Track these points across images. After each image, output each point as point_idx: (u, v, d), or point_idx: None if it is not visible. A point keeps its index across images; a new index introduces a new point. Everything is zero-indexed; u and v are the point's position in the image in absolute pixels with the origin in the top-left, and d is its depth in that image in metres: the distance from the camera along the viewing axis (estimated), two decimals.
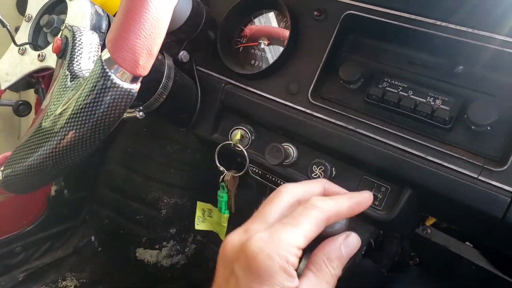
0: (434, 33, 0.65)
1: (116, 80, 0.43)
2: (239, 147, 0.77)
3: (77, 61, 0.48)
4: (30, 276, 1.19)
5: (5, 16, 1.02)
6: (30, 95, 1.12)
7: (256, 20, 0.83)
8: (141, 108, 0.72)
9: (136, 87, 0.46)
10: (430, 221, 0.90)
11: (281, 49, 0.79)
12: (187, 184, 1.30)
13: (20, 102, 1.07)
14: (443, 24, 0.65)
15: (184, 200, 1.30)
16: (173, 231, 1.31)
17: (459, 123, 0.65)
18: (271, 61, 0.80)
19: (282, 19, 0.80)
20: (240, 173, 0.82)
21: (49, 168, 0.47)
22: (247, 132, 0.78)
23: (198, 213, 0.92)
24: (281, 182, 0.80)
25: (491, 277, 1.06)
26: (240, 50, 0.84)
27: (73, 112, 0.44)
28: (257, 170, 0.84)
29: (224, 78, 0.81)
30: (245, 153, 0.77)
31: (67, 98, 0.46)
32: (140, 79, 0.46)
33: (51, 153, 0.46)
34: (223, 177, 0.81)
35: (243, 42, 0.83)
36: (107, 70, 0.43)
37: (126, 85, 0.44)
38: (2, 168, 0.49)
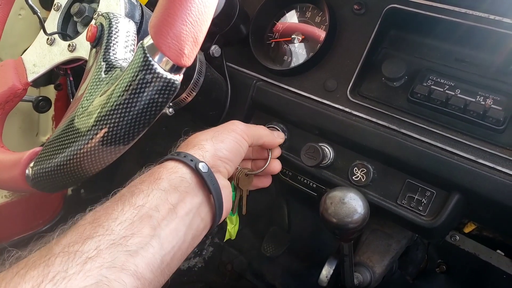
0: (487, 28, 0.61)
1: (159, 69, 0.40)
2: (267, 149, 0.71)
3: (113, 50, 0.45)
4: None
5: (27, 9, 1.00)
6: (50, 91, 1.09)
7: (288, 15, 0.79)
8: (170, 104, 0.68)
9: (179, 78, 0.42)
10: (469, 228, 0.85)
11: (316, 44, 0.75)
12: None
13: (40, 98, 1.05)
14: (497, 18, 0.61)
15: None
16: None
17: None
18: (304, 57, 0.76)
19: (317, 13, 0.76)
20: (257, 172, 0.71)
21: (81, 166, 0.44)
22: (279, 131, 0.73)
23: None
24: (314, 185, 0.76)
25: None
26: (272, 45, 0.80)
27: (110, 106, 0.41)
28: (287, 172, 0.79)
29: (255, 74, 0.77)
30: (269, 154, 0.70)
31: (103, 91, 0.43)
32: (183, 70, 0.42)
33: (83, 151, 0.42)
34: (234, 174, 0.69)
35: (276, 37, 0.79)
36: (150, 58, 0.39)
37: (170, 76, 0.40)
38: (31, 165, 0.45)
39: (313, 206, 1.11)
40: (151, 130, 1.41)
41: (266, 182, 0.72)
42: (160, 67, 0.40)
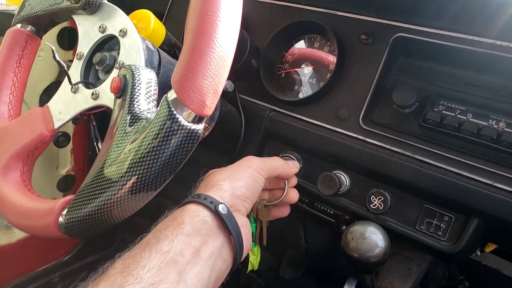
0: (494, 53, 0.62)
1: (183, 121, 0.42)
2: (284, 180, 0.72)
3: (137, 102, 0.47)
4: None
5: (48, 48, 1.04)
6: (68, 126, 1.12)
7: (297, 45, 0.82)
8: None
9: (201, 127, 0.44)
10: (490, 247, 0.84)
11: (326, 73, 0.77)
12: None
13: (60, 133, 1.08)
14: (504, 44, 0.62)
15: None
16: None
17: None
18: (314, 86, 0.78)
19: (325, 43, 0.78)
20: (275, 202, 0.72)
21: (112, 214, 0.46)
22: (294, 160, 0.75)
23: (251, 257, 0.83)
24: (332, 212, 0.77)
25: None
26: (283, 76, 0.82)
27: (137, 157, 0.43)
28: (304, 199, 0.81)
29: (268, 105, 0.80)
30: (286, 184, 0.71)
31: (130, 142, 0.45)
32: (206, 119, 0.44)
33: (114, 199, 0.44)
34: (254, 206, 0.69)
35: (285, 68, 0.82)
36: (174, 111, 0.41)
37: (193, 126, 0.43)
38: (64, 212, 0.48)
39: (330, 227, 1.11)
40: None
41: (284, 212, 0.73)
42: (184, 118, 0.42)
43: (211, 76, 0.41)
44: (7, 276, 1.10)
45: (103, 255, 1.33)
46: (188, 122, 0.42)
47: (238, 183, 0.57)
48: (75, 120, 1.11)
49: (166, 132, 0.42)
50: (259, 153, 0.80)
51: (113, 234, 1.35)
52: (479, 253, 1.03)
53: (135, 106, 0.46)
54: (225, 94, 0.78)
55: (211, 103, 0.43)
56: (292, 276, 1.19)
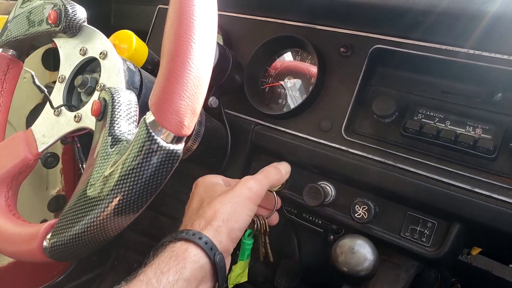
0: (469, 63, 0.64)
1: (162, 142, 0.43)
2: (270, 189, 0.74)
3: (117, 124, 0.48)
4: None
5: (33, 69, 1.05)
6: (56, 146, 1.13)
7: (279, 60, 0.83)
8: None
9: (181, 147, 0.45)
10: (476, 250, 0.85)
11: (308, 86, 0.78)
12: None
13: (48, 154, 1.09)
14: (477, 52, 0.64)
15: None
16: None
17: (504, 151, 0.63)
18: (298, 98, 0.79)
19: (307, 57, 0.80)
20: (272, 213, 0.75)
21: (96, 235, 0.46)
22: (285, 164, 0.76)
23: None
24: (320, 221, 0.78)
25: None
26: (266, 90, 0.83)
27: (119, 178, 0.44)
28: (292, 210, 0.82)
29: (253, 119, 0.81)
30: (275, 195, 0.74)
31: (111, 163, 0.46)
32: (185, 139, 0.45)
33: (97, 221, 0.45)
34: (257, 223, 0.72)
35: (269, 82, 0.83)
36: (153, 133, 0.42)
37: (172, 146, 0.43)
38: (48, 236, 0.48)
39: (321, 237, 1.12)
40: None
41: (276, 219, 0.75)
42: (162, 139, 0.43)
43: (188, 97, 0.42)
44: None
45: (98, 273, 1.32)
46: (167, 142, 0.43)
47: (236, 225, 0.59)
48: (63, 140, 1.11)
49: (146, 153, 0.42)
50: (246, 167, 0.81)
51: (107, 251, 1.35)
52: (469, 257, 1.04)
53: (115, 128, 0.47)
54: (210, 109, 0.79)
55: (189, 123, 0.44)
56: (287, 286, 1.20)
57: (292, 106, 0.78)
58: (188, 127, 0.44)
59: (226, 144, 0.80)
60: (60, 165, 1.13)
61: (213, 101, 0.77)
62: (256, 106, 0.79)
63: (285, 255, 1.25)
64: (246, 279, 0.81)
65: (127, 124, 0.49)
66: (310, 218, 0.79)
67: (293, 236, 1.24)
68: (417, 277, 1.15)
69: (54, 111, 0.60)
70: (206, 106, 0.78)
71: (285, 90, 0.82)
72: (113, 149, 0.46)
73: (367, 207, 0.66)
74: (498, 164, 0.63)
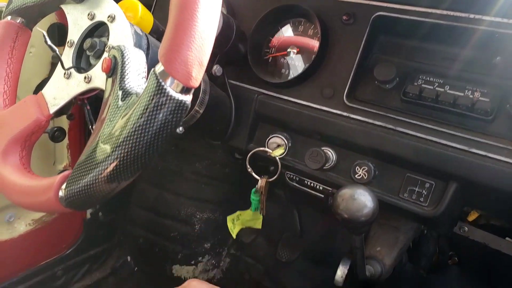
0: (470, 27, 0.65)
1: (171, 92, 0.45)
2: (274, 156, 0.77)
3: (127, 79, 0.50)
4: None
5: (39, 44, 1.06)
6: (63, 122, 1.15)
7: (283, 29, 0.85)
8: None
9: (189, 98, 0.47)
10: (472, 216, 0.88)
11: (311, 55, 0.80)
12: (218, 198, 1.30)
13: (55, 128, 1.11)
14: (477, 17, 0.65)
15: (216, 214, 1.30)
16: (208, 246, 1.31)
17: (501, 113, 0.64)
18: (301, 68, 0.81)
19: (310, 26, 0.81)
20: (273, 178, 0.82)
21: (107, 184, 0.48)
22: (283, 140, 0.78)
23: (229, 224, 0.94)
24: (321, 187, 0.80)
25: None
26: (270, 60, 0.85)
27: (130, 128, 0.46)
28: (294, 177, 0.84)
29: (256, 89, 0.83)
30: (278, 160, 0.77)
31: (121, 116, 0.48)
32: (193, 90, 0.47)
33: (109, 170, 0.47)
34: (259, 183, 0.81)
35: (272, 52, 0.85)
36: (162, 82, 0.44)
37: (181, 97, 0.45)
38: (63, 186, 0.50)
39: (323, 210, 1.14)
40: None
41: None
42: (172, 89, 0.45)
43: (196, 48, 0.44)
44: (9, 270, 1.13)
45: (105, 248, 1.36)
46: (176, 92, 0.45)
47: None
48: (70, 116, 1.13)
49: (156, 103, 0.45)
50: (250, 136, 0.84)
51: (113, 227, 1.38)
52: (466, 228, 1.06)
53: (126, 82, 0.49)
54: (214, 79, 0.81)
55: (197, 75, 0.45)
56: (288, 258, 1.23)
57: (294, 76, 0.80)
58: (196, 79, 0.46)
59: (230, 113, 0.82)
60: (66, 141, 1.16)
61: (217, 69, 0.79)
62: (260, 75, 0.80)
63: (287, 230, 1.28)
64: (260, 227, 0.88)
65: (137, 79, 0.51)
66: (311, 184, 0.81)
67: (294, 211, 1.27)
68: (416, 250, 1.18)
69: (65, 74, 0.62)
70: (210, 75, 0.80)
71: (288, 60, 0.83)
72: (123, 102, 0.48)
73: (367, 168, 0.68)
74: (495, 126, 0.64)
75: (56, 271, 1.18)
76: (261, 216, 0.85)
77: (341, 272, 0.79)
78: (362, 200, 0.53)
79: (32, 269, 1.14)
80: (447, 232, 0.94)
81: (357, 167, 0.69)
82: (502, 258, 1.07)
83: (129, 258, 1.37)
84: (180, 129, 0.73)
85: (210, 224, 1.30)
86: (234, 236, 0.91)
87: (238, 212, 0.92)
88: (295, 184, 0.84)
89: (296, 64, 0.82)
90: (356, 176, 0.68)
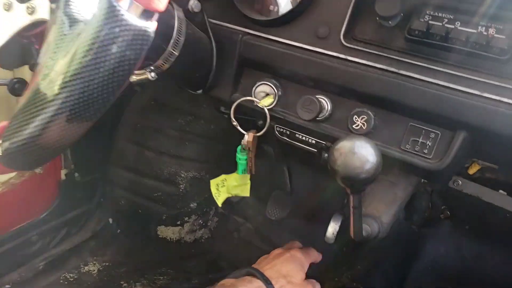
0: None
1: (128, 16, 0.35)
2: (262, 106, 0.69)
3: (73, 2, 0.39)
4: (51, 264, 1.14)
5: None
6: (25, 72, 1.03)
7: None
8: (151, 68, 0.63)
9: (151, 25, 0.37)
10: (474, 169, 0.83)
11: None
12: (203, 156, 1.23)
13: (15, 80, 0.99)
14: None
15: (202, 173, 1.24)
16: (194, 205, 1.26)
17: None
18: (292, 3, 0.70)
19: None
20: (261, 132, 0.74)
21: (53, 138, 0.39)
22: (272, 88, 0.69)
23: (213, 191, 0.87)
24: (314, 141, 0.73)
25: None
26: None
27: (77, 65, 0.36)
28: (284, 131, 0.76)
29: (240, 28, 0.72)
30: (266, 111, 0.69)
31: (67, 49, 0.38)
32: (156, 16, 0.37)
33: (52, 121, 0.38)
34: (245, 138, 0.74)
35: None
36: (116, 4, 0.34)
37: (140, 23, 0.36)
38: (0, 141, 0.41)
39: (313, 166, 1.08)
40: (139, 104, 1.36)
41: None
42: (129, 13, 0.35)
43: None
44: None
45: (84, 210, 1.29)
46: (134, 17, 0.35)
47: None
48: (33, 66, 1.01)
49: (108, 32, 0.35)
50: (235, 84, 0.74)
51: (92, 189, 1.30)
52: (460, 182, 1.02)
53: (72, 5, 0.39)
54: (191, 16, 0.70)
55: None
56: (278, 216, 1.19)
57: (285, 12, 0.70)
58: (160, 0, 0.36)
59: (211, 57, 0.72)
60: None
61: (194, 4, 0.68)
62: (245, 12, 0.70)
63: (277, 187, 1.23)
64: (248, 195, 0.82)
65: (86, 2, 0.40)
66: (304, 138, 0.73)
67: (284, 168, 1.21)
68: (408, 205, 1.14)
69: (4, 5, 0.50)
70: (186, 12, 0.69)
71: None
72: (69, 31, 0.38)
73: (366, 117, 0.60)
74: (511, 67, 0.57)
75: (30, 236, 1.11)
76: (249, 182, 0.77)
77: (332, 229, 0.74)
78: (363, 154, 0.45)
79: (2, 236, 1.06)
80: (444, 185, 0.90)
81: (355, 116, 0.61)
82: (495, 211, 1.06)
83: (110, 220, 1.30)
84: (152, 75, 0.64)
85: (195, 183, 1.23)
86: (220, 204, 0.83)
87: (223, 176, 0.83)
88: (285, 138, 0.77)
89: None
90: (354, 126, 0.61)
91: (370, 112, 0.60)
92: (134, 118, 1.26)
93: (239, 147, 0.73)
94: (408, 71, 0.60)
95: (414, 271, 1.10)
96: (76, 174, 1.23)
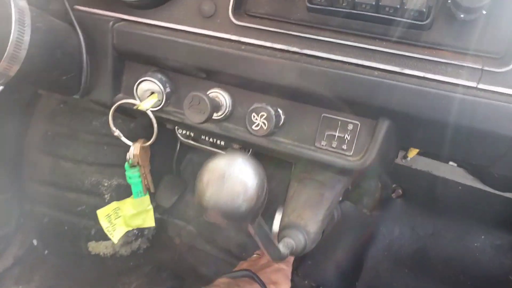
0: None
1: None
2: (143, 109, 0.55)
3: None
4: None
5: None
6: None
7: None
8: None
9: None
10: (413, 152, 0.73)
11: None
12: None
13: None
14: None
15: None
16: None
17: (440, 15, 0.46)
18: None
19: None
20: (149, 143, 0.63)
21: None
22: (157, 84, 0.55)
23: (103, 223, 0.70)
24: (221, 143, 0.60)
25: (480, 194, 0.98)
26: None
27: None
28: (188, 133, 0.63)
29: (111, 14, 0.57)
30: (150, 114, 0.56)
31: None
32: None
33: None
34: (130, 151, 0.63)
35: None
36: None
37: None
38: None
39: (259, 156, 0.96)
40: (47, 109, 1.18)
41: None
42: None
43: None
44: None
45: (1, 235, 1.13)
46: None
47: None
48: None
49: None
50: (116, 82, 0.60)
51: (8, 209, 1.14)
52: (409, 158, 0.94)
53: None
54: (44, 3, 0.55)
55: None
56: (167, 201, 1.10)
57: None
58: None
59: (80, 52, 0.57)
60: None
61: None
62: None
63: (166, 171, 1.11)
64: (153, 224, 0.68)
65: None
66: (211, 140, 0.61)
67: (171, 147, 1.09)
68: (357, 188, 1.06)
69: None
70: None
71: None
72: None
73: (265, 114, 0.48)
74: (434, 33, 0.46)
75: None
76: (151, 206, 0.62)
77: (277, 223, 0.64)
78: (238, 176, 0.33)
79: None
80: (387, 170, 0.81)
81: (253, 114, 0.48)
82: (447, 184, 1.02)
83: (35, 242, 1.16)
84: None
85: (122, 191, 1.09)
86: (115, 242, 0.66)
87: (114, 204, 0.67)
88: (190, 142, 0.64)
89: None
90: (253, 127, 0.48)
91: (269, 108, 0.48)
92: (43, 125, 1.09)
93: (126, 164, 0.59)
94: (313, 49, 0.48)
95: (369, 258, 1.04)
96: None
